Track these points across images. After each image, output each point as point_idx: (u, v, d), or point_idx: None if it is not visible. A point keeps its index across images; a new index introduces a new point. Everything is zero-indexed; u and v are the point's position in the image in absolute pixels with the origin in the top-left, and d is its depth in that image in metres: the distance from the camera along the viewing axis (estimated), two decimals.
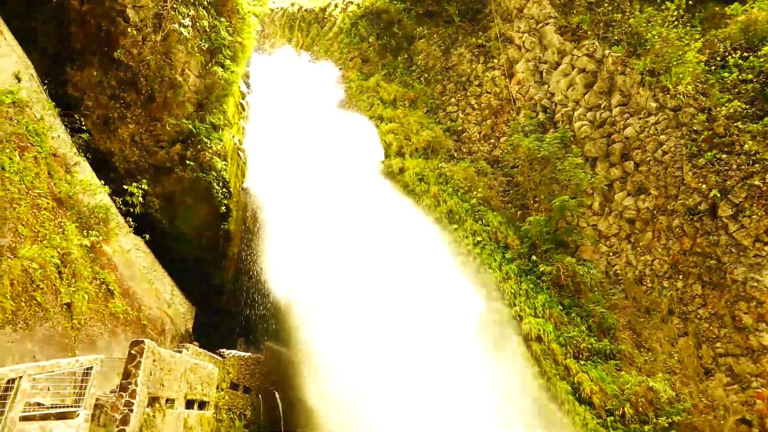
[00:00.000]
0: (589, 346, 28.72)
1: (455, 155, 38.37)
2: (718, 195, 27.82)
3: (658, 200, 30.40)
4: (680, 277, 29.12)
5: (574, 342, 28.61)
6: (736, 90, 29.28)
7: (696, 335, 28.13)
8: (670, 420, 25.90)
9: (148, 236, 20.05)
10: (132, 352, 13.83)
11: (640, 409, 26.49)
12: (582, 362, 27.96)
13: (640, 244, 30.86)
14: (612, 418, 26.20)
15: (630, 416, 26.21)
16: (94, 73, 19.61)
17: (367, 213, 27.75)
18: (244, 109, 26.97)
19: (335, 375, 21.17)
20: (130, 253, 19.54)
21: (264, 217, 24.70)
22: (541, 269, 31.51)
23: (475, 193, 35.27)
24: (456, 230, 32.24)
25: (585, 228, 32.94)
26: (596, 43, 34.27)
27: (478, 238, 32.35)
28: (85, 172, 18.57)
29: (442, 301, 25.38)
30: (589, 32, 34.89)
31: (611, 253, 31.88)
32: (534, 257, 32.22)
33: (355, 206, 27.51)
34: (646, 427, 25.84)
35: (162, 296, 20.84)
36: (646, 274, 30.31)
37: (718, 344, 27.50)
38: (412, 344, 22.68)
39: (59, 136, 18.11)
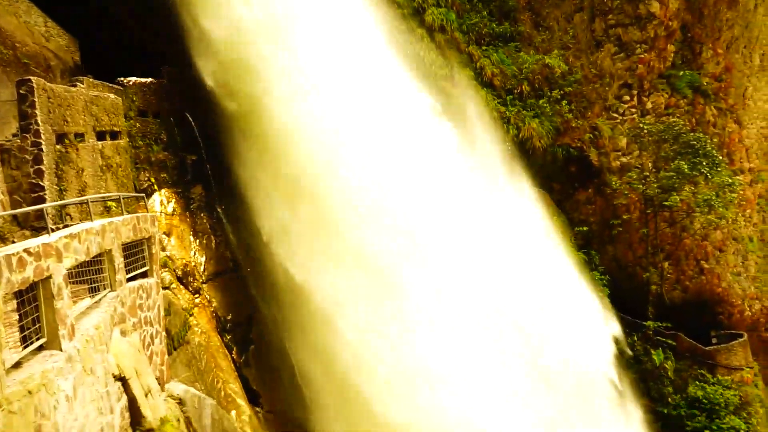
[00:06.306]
0: (491, 31, 29.23)
1: None
2: None
3: None
4: None
5: (476, 28, 28.91)
6: None
7: (591, 9, 28.96)
8: (562, 92, 28.25)
9: None
10: (21, 92, 13.09)
11: (537, 85, 28.49)
12: (484, 48, 28.75)
13: None
14: (511, 96, 28.24)
15: (527, 93, 28.31)
16: None
17: None
18: None
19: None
20: None
21: None
22: None
23: None
24: None
25: None
26: None
27: None
28: None
29: None
30: None
31: None
32: None
33: None
34: (541, 101, 28.21)
35: (36, 29, 18.91)
36: None
37: (610, 16, 28.63)
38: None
39: None
